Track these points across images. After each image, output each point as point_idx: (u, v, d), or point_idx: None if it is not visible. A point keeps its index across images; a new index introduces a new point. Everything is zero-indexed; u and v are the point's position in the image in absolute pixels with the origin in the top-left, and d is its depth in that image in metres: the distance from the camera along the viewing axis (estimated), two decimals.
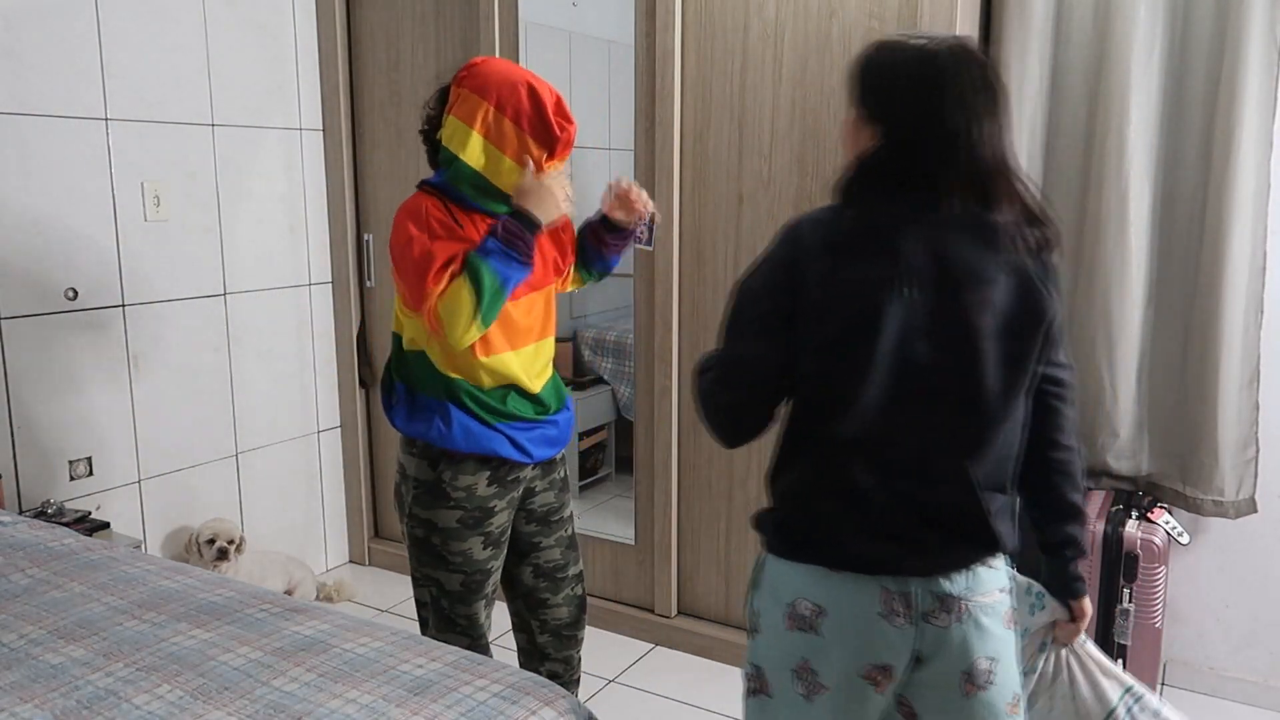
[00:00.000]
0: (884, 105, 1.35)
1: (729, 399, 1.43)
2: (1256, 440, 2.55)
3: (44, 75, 2.61)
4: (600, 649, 2.67)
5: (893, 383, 1.32)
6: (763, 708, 1.44)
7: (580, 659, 2.26)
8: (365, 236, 3.45)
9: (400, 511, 2.07)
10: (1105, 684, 1.54)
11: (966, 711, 1.39)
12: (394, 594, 3.41)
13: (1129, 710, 1.51)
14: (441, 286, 1.80)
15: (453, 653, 1.59)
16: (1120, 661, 2.49)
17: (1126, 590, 2.47)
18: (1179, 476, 2.62)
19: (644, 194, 2.06)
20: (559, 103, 1.89)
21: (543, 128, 1.87)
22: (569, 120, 1.90)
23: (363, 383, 3.55)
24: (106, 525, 2.68)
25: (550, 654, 2.21)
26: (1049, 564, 1.51)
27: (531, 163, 1.87)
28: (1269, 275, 2.50)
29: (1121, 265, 2.58)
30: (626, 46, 2.82)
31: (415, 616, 3.20)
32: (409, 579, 3.47)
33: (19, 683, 1.49)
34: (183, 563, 2.15)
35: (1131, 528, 2.49)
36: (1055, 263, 1.41)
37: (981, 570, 1.38)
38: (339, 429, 3.58)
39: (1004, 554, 1.42)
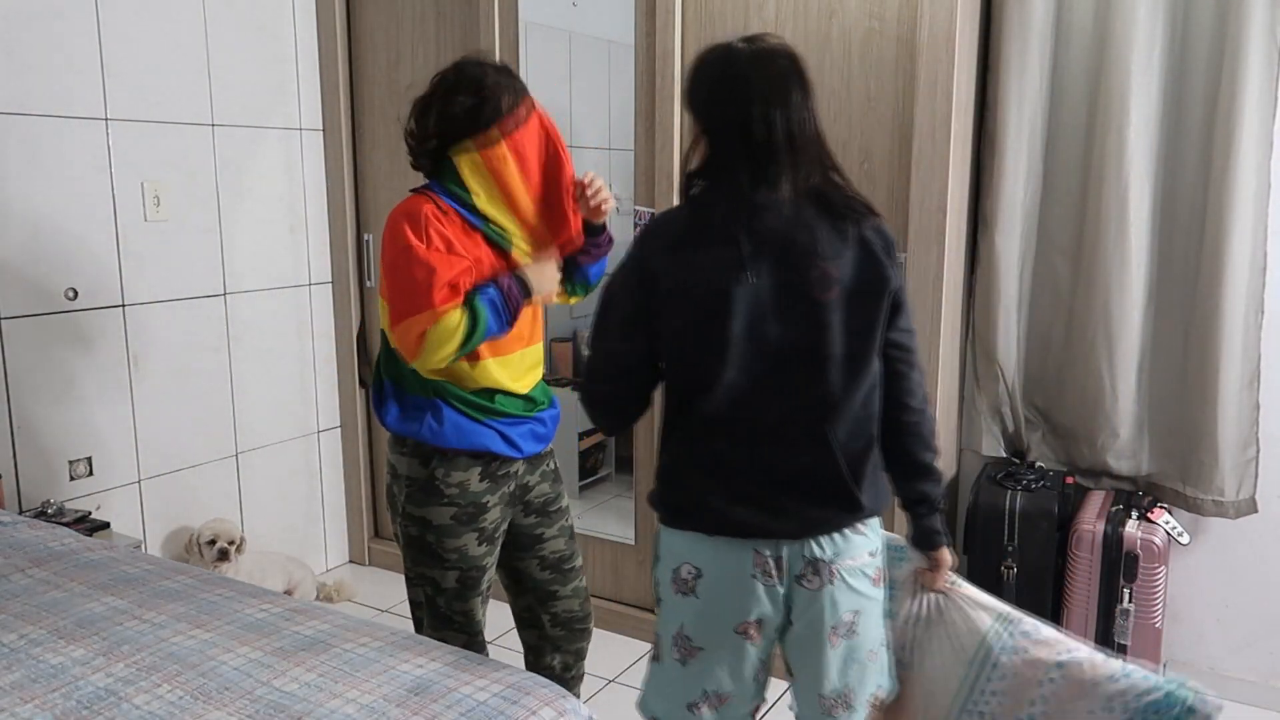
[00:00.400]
0: (700, 107, 1.50)
1: (605, 391, 1.58)
2: (1257, 440, 2.55)
3: (44, 75, 2.61)
4: (600, 649, 2.67)
5: (748, 361, 1.43)
6: (656, 672, 1.60)
7: (587, 651, 2.28)
8: (365, 236, 3.45)
9: (393, 512, 2.05)
10: (977, 615, 1.63)
11: (829, 659, 1.52)
12: (394, 594, 3.41)
13: (998, 635, 1.60)
14: (445, 309, 1.78)
15: (453, 653, 1.59)
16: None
17: (1126, 590, 2.47)
18: (1179, 476, 2.62)
19: (599, 182, 2.00)
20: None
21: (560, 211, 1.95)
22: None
23: (363, 383, 3.55)
24: (106, 525, 2.68)
25: (563, 646, 2.21)
26: (909, 520, 1.62)
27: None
28: (1269, 275, 2.50)
29: (1121, 265, 2.58)
30: (626, 46, 2.82)
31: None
32: None
33: (19, 683, 1.49)
34: (183, 563, 2.15)
35: (1131, 528, 2.49)
36: (891, 232, 1.52)
37: (852, 535, 1.50)
38: (339, 429, 3.58)
39: (868, 515, 1.51)
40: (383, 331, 1.98)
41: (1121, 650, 2.50)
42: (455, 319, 1.77)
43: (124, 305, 2.85)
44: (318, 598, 3.24)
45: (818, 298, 1.42)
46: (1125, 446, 2.68)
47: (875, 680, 1.59)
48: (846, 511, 1.48)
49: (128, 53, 2.79)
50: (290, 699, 1.44)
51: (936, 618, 1.65)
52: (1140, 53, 2.49)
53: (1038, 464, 2.77)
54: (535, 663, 2.22)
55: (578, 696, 2.19)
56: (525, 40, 3.00)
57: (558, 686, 1.54)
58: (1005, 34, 2.61)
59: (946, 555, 1.64)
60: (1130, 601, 2.48)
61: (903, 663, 1.65)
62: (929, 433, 1.57)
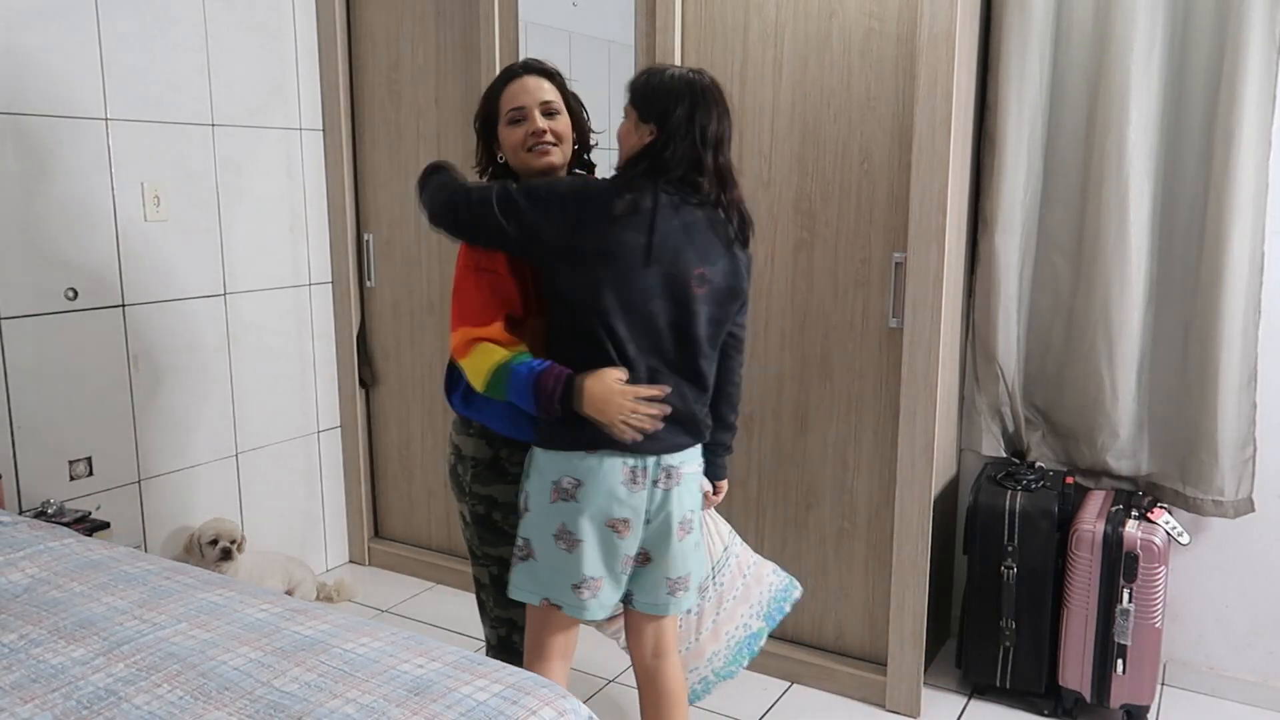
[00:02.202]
0: (654, 109, 1.86)
1: (451, 217, 1.92)
2: (1254, 440, 2.55)
3: (44, 75, 2.61)
4: (600, 649, 2.67)
5: (634, 326, 1.83)
6: (530, 569, 1.93)
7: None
8: (365, 236, 3.45)
9: (459, 493, 2.12)
10: (720, 525, 2.28)
11: (677, 549, 1.97)
12: (394, 594, 3.41)
13: (724, 563, 2.24)
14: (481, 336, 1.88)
15: (453, 652, 1.59)
16: (1120, 661, 2.50)
17: (1126, 590, 2.47)
18: (1179, 476, 2.62)
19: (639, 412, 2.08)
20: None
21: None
22: None
23: (363, 383, 3.55)
24: (106, 525, 2.68)
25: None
26: (707, 457, 2.07)
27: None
28: (1267, 275, 2.50)
29: (1121, 265, 2.58)
30: (626, 46, 2.82)
31: (416, 616, 3.22)
32: (409, 579, 3.51)
33: (19, 683, 1.49)
34: (183, 563, 2.15)
35: (1131, 528, 2.49)
36: (751, 253, 1.99)
37: (690, 451, 1.96)
38: (339, 429, 3.58)
39: (699, 440, 1.99)
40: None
41: (1121, 650, 2.50)
42: (486, 364, 1.86)
43: (124, 305, 2.85)
44: (318, 598, 3.24)
45: (694, 291, 1.86)
46: (1125, 446, 2.68)
47: (702, 567, 2.10)
48: (691, 436, 1.95)
49: (128, 53, 2.79)
50: (290, 699, 1.44)
51: (703, 530, 2.17)
52: (1140, 53, 2.50)
53: (1038, 464, 2.77)
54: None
55: None
56: (525, 40, 3.00)
57: (558, 686, 1.54)
58: (1005, 34, 2.61)
59: (724, 489, 2.20)
60: (1130, 601, 2.48)
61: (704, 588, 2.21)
62: (739, 399, 2.09)
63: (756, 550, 2.86)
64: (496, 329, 1.87)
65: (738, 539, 2.32)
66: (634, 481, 1.88)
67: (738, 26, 2.66)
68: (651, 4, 2.71)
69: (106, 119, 2.76)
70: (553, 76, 2.02)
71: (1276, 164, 2.46)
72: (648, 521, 1.93)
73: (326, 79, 3.36)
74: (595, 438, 1.84)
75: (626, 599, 2.03)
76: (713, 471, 2.12)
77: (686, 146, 1.84)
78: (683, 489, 1.94)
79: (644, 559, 1.97)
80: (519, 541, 1.95)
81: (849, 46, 2.53)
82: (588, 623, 2.01)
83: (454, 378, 2.06)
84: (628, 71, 2.81)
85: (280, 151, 3.27)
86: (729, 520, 2.89)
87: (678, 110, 1.84)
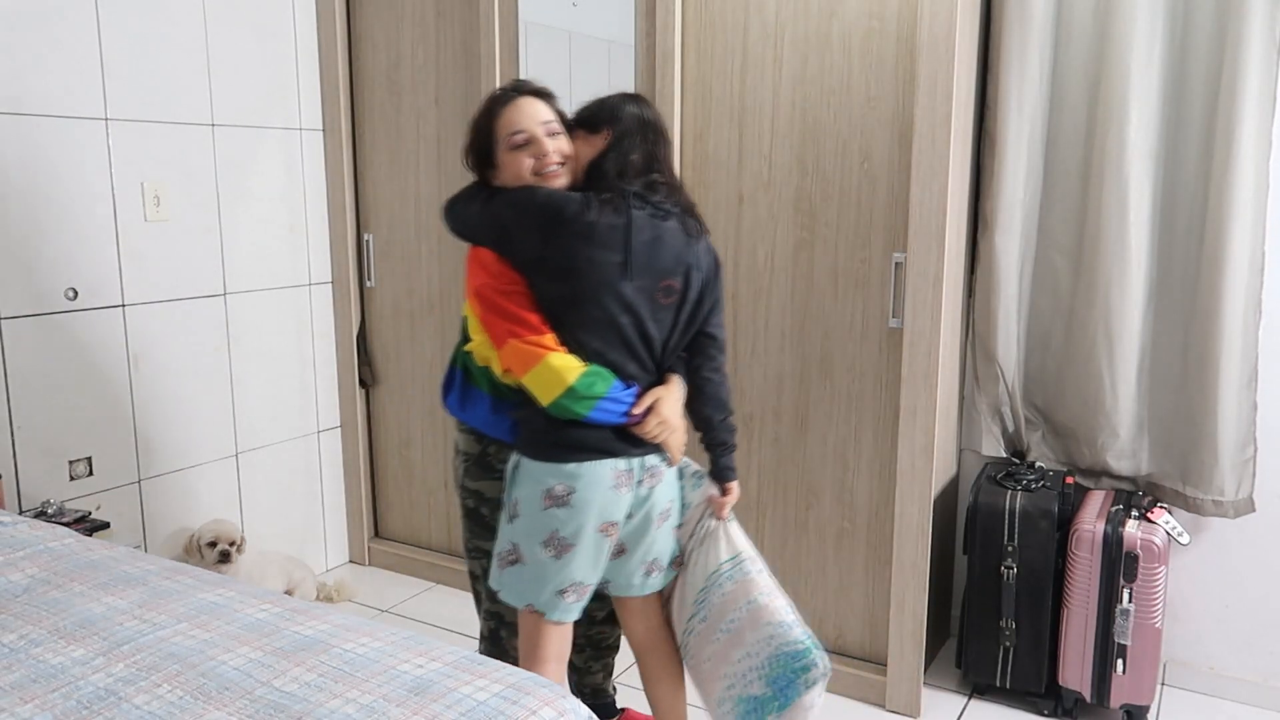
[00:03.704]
0: (606, 117, 1.95)
1: (451, 213, 2.02)
2: (1254, 440, 2.55)
3: (44, 75, 2.61)
4: None
5: (609, 336, 1.88)
6: (519, 572, 1.95)
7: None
8: (365, 236, 3.45)
9: (455, 486, 2.19)
10: (722, 548, 2.07)
11: (655, 536, 2.03)
12: (394, 594, 3.41)
13: (731, 569, 2.06)
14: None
15: (453, 652, 1.59)
16: (1120, 661, 2.50)
17: (1126, 590, 2.47)
18: (1179, 476, 2.62)
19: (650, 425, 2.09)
20: None
21: None
22: None
23: (363, 383, 3.55)
24: (106, 525, 2.68)
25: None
26: (711, 458, 2.09)
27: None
28: (1267, 275, 2.50)
29: (1121, 265, 2.58)
30: (626, 46, 2.82)
31: (416, 616, 3.22)
32: (409, 579, 3.51)
33: (19, 683, 1.49)
34: (183, 563, 2.15)
35: (1131, 528, 2.49)
36: (711, 247, 2.02)
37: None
38: (339, 429, 3.58)
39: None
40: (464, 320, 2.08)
41: (1121, 650, 2.50)
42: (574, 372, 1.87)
43: (124, 305, 2.85)
44: (318, 598, 3.24)
45: (662, 300, 1.92)
46: (1125, 446, 2.68)
47: (674, 547, 2.12)
48: None
49: (128, 53, 2.79)
50: (290, 699, 1.44)
51: (706, 538, 2.09)
52: (1140, 53, 2.50)
53: (1038, 464, 2.77)
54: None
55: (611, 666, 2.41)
56: (525, 40, 3.00)
57: (558, 686, 1.54)
58: (1005, 34, 2.61)
59: (735, 489, 2.11)
60: (1130, 601, 2.48)
61: (682, 563, 2.13)
62: (727, 398, 2.07)
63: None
64: (551, 336, 1.87)
65: (753, 565, 2.05)
66: (623, 484, 1.92)
67: (738, 26, 2.66)
68: (651, 4, 2.71)
69: (106, 119, 2.76)
70: (547, 97, 1.98)
71: (1276, 164, 2.46)
72: (629, 518, 1.99)
73: (326, 79, 3.36)
74: (587, 444, 1.88)
75: (605, 585, 2.09)
76: (719, 473, 2.10)
77: (642, 141, 1.93)
78: (663, 486, 2.01)
79: (619, 551, 2.03)
80: (506, 545, 1.96)
81: (849, 46, 2.53)
82: None
83: (451, 380, 2.10)
84: (628, 71, 2.82)
85: (280, 151, 3.27)
86: None
87: (626, 108, 1.95)
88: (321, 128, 3.40)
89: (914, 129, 2.40)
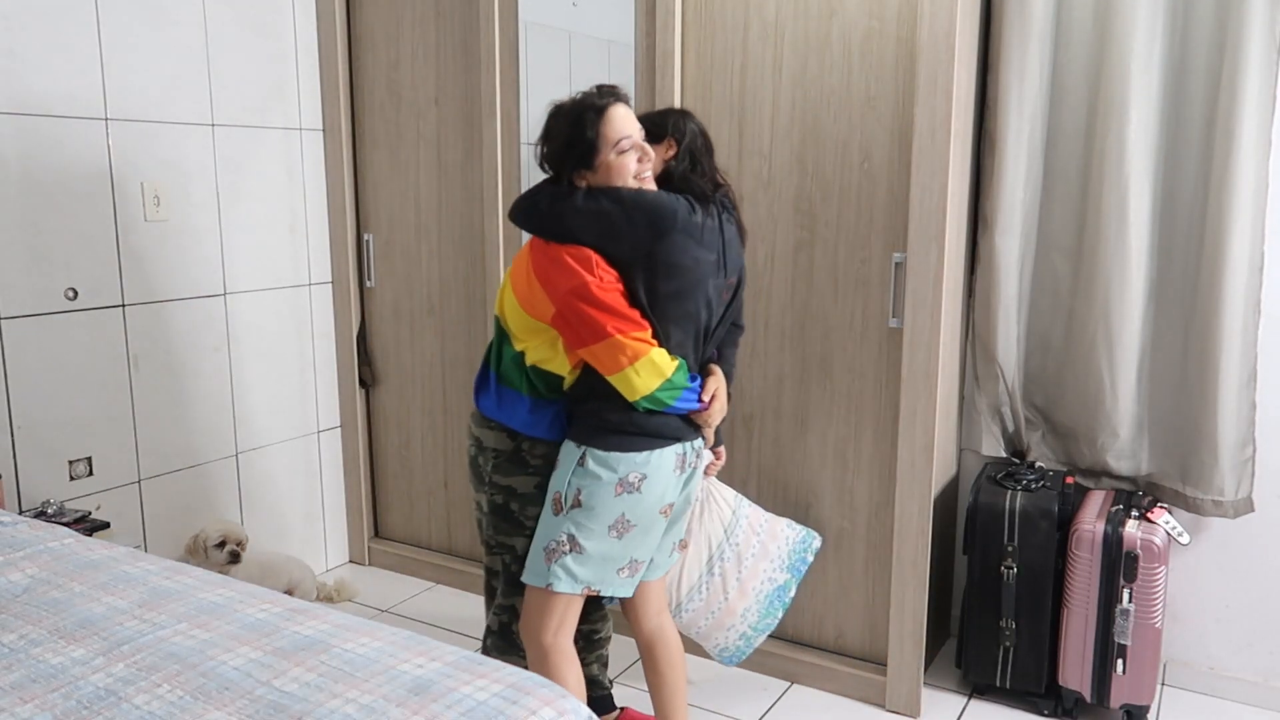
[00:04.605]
0: (667, 127, 2.08)
1: (527, 209, 2.07)
2: (1254, 440, 2.55)
3: (44, 75, 2.61)
4: None
5: (689, 328, 2.03)
6: (576, 559, 2.03)
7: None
8: (365, 236, 3.45)
9: (477, 483, 2.21)
10: (724, 490, 2.48)
11: (689, 516, 2.26)
12: (394, 594, 3.41)
13: (739, 509, 2.47)
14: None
15: (453, 652, 1.59)
16: (1120, 661, 2.50)
17: (1126, 590, 2.47)
18: (1179, 476, 2.62)
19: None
20: None
21: None
22: None
23: (363, 383, 3.55)
24: (106, 525, 2.68)
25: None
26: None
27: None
28: (1267, 275, 2.50)
29: (1121, 265, 2.58)
30: (626, 46, 2.82)
31: (416, 616, 3.22)
32: (409, 579, 3.51)
33: (19, 683, 1.49)
34: (183, 563, 2.15)
35: (1131, 528, 2.49)
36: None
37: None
38: (339, 429, 3.58)
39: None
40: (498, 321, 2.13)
41: (1121, 650, 2.50)
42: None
43: (124, 305, 2.85)
44: (318, 598, 3.24)
45: (724, 297, 2.10)
46: (1125, 446, 2.68)
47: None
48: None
49: (128, 53, 2.79)
50: (290, 699, 1.44)
51: (706, 499, 2.43)
52: (1140, 53, 2.50)
53: (1038, 464, 2.77)
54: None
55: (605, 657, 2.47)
56: (525, 40, 3.00)
57: (557, 686, 1.54)
58: (1005, 34, 2.61)
59: (722, 452, 2.37)
60: (1130, 601, 2.48)
61: (686, 545, 2.40)
62: (730, 373, 2.24)
63: None
64: (650, 331, 1.97)
65: (745, 501, 2.51)
66: (680, 468, 2.06)
67: (738, 26, 2.66)
68: (651, 4, 2.71)
69: (106, 119, 2.76)
70: (631, 104, 2.04)
71: (1276, 164, 2.46)
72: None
73: (326, 79, 3.36)
74: (663, 432, 2.02)
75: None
76: (718, 439, 2.28)
77: (705, 151, 2.11)
78: (700, 465, 2.17)
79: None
80: (559, 536, 2.03)
81: (849, 46, 2.53)
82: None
83: (485, 382, 2.15)
84: (628, 71, 2.82)
85: (280, 151, 3.27)
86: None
87: (687, 123, 2.10)
88: (321, 128, 3.40)
89: (914, 129, 2.40)
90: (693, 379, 2.04)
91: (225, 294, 3.13)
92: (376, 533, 3.69)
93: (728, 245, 2.06)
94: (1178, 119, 2.54)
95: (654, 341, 1.96)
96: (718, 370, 2.15)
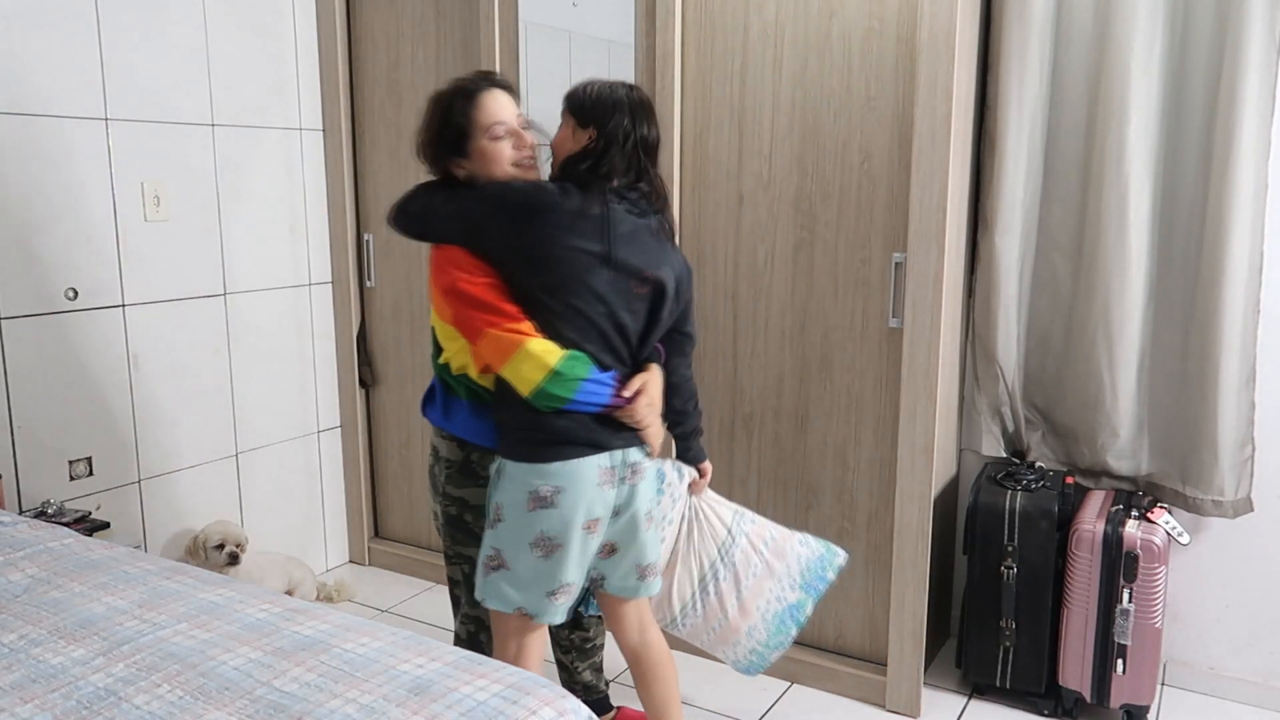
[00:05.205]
0: (594, 116, 1.91)
1: (401, 214, 2.02)
2: (1254, 440, 2.55)
3: (44, 75, 2.61)
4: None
5: (584, 326, 1.88)
6: (505, 577, 1.95)
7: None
8: (365, 236, 3.45)
9: (434, 493, 2.14)
10: (721, 512, 2.32)
11: (644, 538, 2.04)
12: (394, 594, 3.41)
13: (738, 526, 2.32)
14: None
15: (453, 653, 1.59)
16: (1120, 661, 2.50)
17: (1126, 590, 2.47)
18: (1179, 476, 2.62)
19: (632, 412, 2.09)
20: None
21: None
22: None
23: (363, 383, 3.55)
24: (106, 525, 2.68)
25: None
26: (679, 445, 2.22)
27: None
28: (1267, 275, 2.50)
29: (1121, 265, 2.58)
30: (626, 46, 2.82)
31: (416, 616, 3.22)
32: (409, 579, 3.51)
33: (19, 683, 1.49)
34: (183, 563, 2.15)
35: (1131, 528, 2.49)
36: (688, 263, 2.07)
37: (643, 445, 2.00)
38: (339, 429, 3.58)
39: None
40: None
41: (1121, 650, 2.50)
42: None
43: (124, 305, 2.85)
44: (318, 598, 3.24)
45: (636, 291, 1.92)
46: (1125, 446, 2.68)
47: (662, 550, 2.19)
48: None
49: (128, 53, 2.79)
50: (290, 699, 1.44)
51: (697, 515, 2.30)
52: (1140, 53, 2.50)
53: (1038, 464, 2.77)
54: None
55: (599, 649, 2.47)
56: (525, 40, 3.00)
57: (557, 686, 1.54)
58: (1005, 34, 2.61)
59: (707, 468, 2.26)
60: (1130, 601, 2.48)
61: (674, 550, 2.30)
62: (691, 392, 2.15)
63: None
64: (528, 324, 1.86)
65: (747, 516, 2.36)
66: (607, 482, 1.92)
67: (738, 26, 2.66)
68: (651, 4, 2.71)
69: (106, 119, 2.76)
70: (514, 91, 2.01)
71: (1276, 164, 2.46)
72: (616, 515, 1.98)
73: (326, 79, 3.36)
74: (571, 438, 1.88)
75: (599, 584, 2.10)
76: (692, 456, 2.21)
77: (628, 152, 1.90)
78: (646, 483, 2.00)
79: (610, 550, 2.04)
80: (489, 551, 1.96)
81: (849, 46, 2.53)
82: None
83: (433, 392, 2.09)
84: (628, 71, 2.82)
85: (280, 151, 3.27)
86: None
87: (616, 116, 1.90)
88: (321, 128, 3.40)
89: (914, 129, 2.40)
90: (607, 373, 1.89)
91: (225, 294, 3.13)
92: (376, 533, 3.69)
93: (624, 239, 1.88)
94: (1178, 119, 2.54)
95: (531, 333, 1.84)
96: (653, 367, 2.01)
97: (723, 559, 2.30)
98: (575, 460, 1.87)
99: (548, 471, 1.87)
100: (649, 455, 2.00)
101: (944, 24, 2.33)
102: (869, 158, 2.55)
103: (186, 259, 3.00)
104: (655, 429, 1.98)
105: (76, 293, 2.73)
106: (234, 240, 3.13)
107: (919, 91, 2.38)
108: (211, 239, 3.07)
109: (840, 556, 2.37)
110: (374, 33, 3.32)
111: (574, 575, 1.95)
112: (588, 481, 1.88)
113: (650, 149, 1.95)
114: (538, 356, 1.82)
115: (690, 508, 2.30)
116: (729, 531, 2.32)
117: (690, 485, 2.26)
